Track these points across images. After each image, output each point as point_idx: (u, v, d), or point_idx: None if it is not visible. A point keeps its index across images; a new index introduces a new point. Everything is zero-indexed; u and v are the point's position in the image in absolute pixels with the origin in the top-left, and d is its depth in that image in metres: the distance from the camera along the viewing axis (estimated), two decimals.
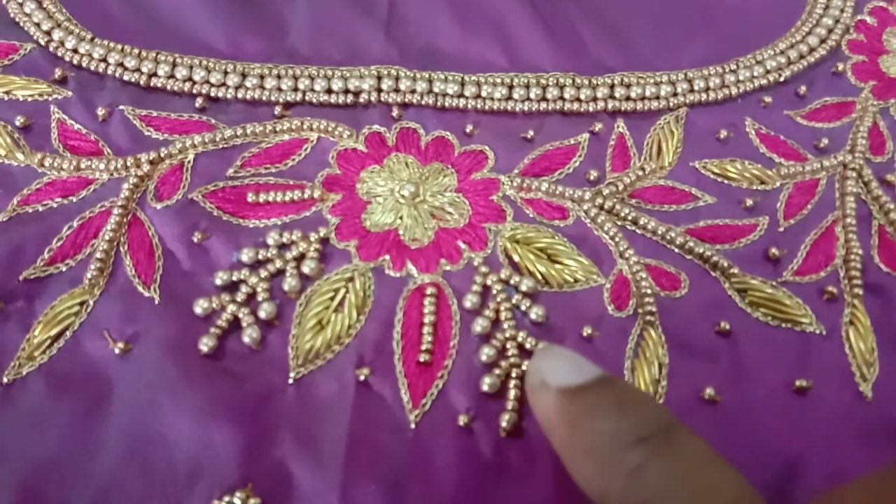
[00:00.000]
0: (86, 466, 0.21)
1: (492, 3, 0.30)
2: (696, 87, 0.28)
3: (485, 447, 0.22)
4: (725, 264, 0.25)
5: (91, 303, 0.23)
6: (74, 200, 0.24)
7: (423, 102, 0.27)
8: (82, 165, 0.25)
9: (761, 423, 0.23)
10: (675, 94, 0.28)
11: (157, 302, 0.23)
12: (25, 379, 0.22)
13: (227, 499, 0.20)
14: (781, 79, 0.29)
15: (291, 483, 0.21)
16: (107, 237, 0.24)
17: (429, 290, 0.24)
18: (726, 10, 0.32)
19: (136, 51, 0.27)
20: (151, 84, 0.27)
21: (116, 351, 0.22)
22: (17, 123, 0.26)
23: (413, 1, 0.30)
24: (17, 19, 0.28)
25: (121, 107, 0.26)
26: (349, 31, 0.29)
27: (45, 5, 0.28)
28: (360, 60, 0.28)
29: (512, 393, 0.22)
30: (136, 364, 0.22)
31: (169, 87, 0.27)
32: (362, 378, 0.22)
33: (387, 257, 0.24)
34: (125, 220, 0.24)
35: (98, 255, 0.23)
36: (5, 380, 0.22)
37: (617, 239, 0.25)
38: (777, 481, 0.22)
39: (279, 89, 0.27)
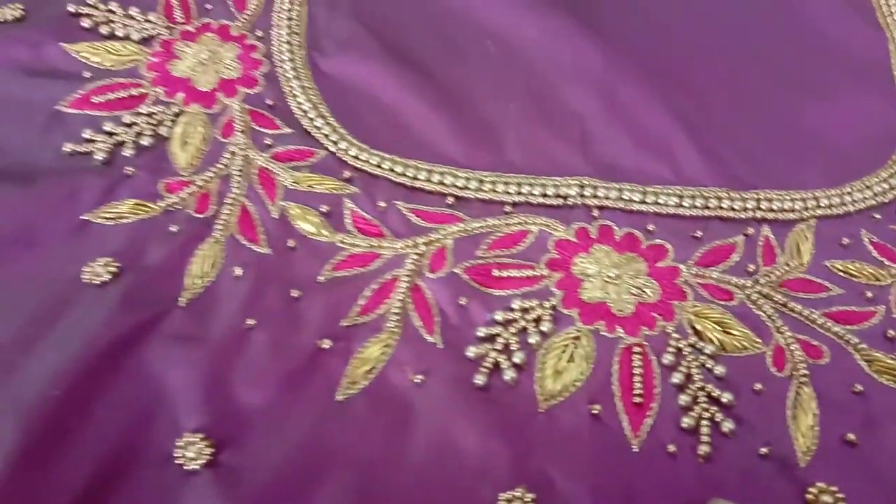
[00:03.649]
0: (399, 465, 0.29)
1: (660, 131, 0.39)
2: (821, 204, 0.37)
3: (687, 469, 0.29)
4: (855, 340, 0.33)
5: (392, 345, 0.31)
6: (369, 269, 0.33)
7: (614, 206, 0.36)
8: (372, 244, 0.34)
9: (890, 463, 0.30)
10: (806, 209, 0.37)
11: (439, 346, 0.31)
12: (352, 399, 0.30)
13: (510, 493, 0.28)
14: (886, 200, 0.38)
15: (553, 486, 0.28)
16: (399, 298, 0.32)
17: (636, 349, 0.32)
18: (833, 141, 0.41)
19: (401, 160, 0.37)
20: (414, 185, 0.36)
21: (415, 382, 0.30)
22: (323, 210, 0.35)
23: (600, 128, 0.39)
24: (310, 131, 0.38)
25: (395, 201, 0.36)
26: (551, 149, 0.39)
27: (329, 121, 0.38)
28: (562, 171, 0.38)
29: (705, 430, 0.30)
30: (429, 392, 0.30)
31: (427, 188, 0.36)
32: (594, 412, 0.30)
33: (602, 323, 0.32)
34: (410, 286, 0.33)
35: (394, 310, 0.32)
36: (340, 398, 0.30)
37: (773, 317, 0.33)
38: None
39: (507, 192, 0.36)
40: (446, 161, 0.38)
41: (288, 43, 0.41)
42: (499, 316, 0.32)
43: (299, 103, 0.39)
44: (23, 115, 0.37)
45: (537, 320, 0.32)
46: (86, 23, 0.40)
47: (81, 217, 0.33)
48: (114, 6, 0.41)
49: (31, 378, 0.28)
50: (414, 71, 0.41)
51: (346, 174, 0.37)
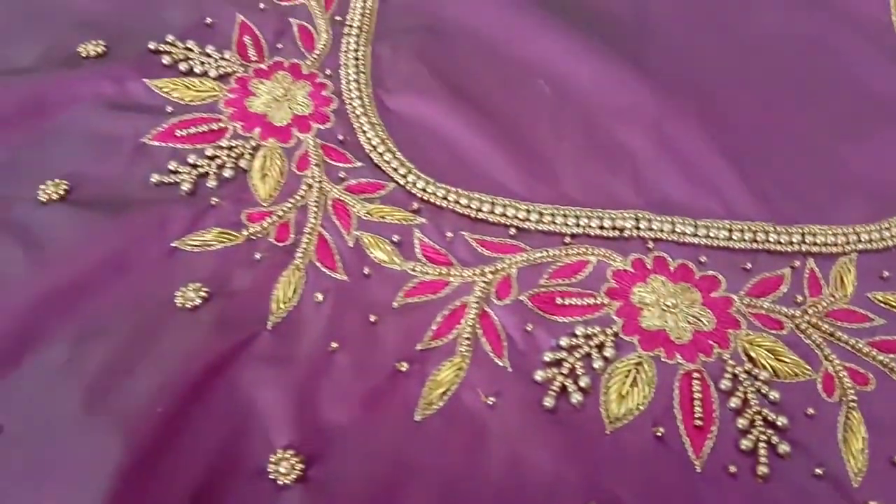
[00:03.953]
0: (476, 483, 0.30)
1: (709, 168, 0.41)
2: (862, 239, 0.39)
3: (747, 489, 0.31)
4: None
5: (465, 369, 0.33)
6: (439, 296, 0.35)
7: (668, 238, 0.38)
8: (441, 272, 0.36)
9: None
10: (848, 243, 0.39)
11: (509, 370, 0.33)
12: (429, 419, 0.32)
13: None
14: None
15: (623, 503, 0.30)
16: (469, 323, 0.34)
17: (695, 375, 0.34)
18: (872, 179, 0.43)
19: (465, 192, 0.39)
20: (478, 216, 0.39)
21: (488, 403, 0.32)
22: (394, 240, 0.37)
23: (651, 164, 0.41)
24: (380, 165, 0.40)
25: (461, 231, 0.38)
26: (606, 184, 0.41)
27: (397, 156, 0.40)
28: (617, 205, 0.40)
29: (762, 452, 0.32)
30: (501, 413, 0.32)
31: (490, 220, 0.38)
32: (658, 434, 0.32)
33: (661, 350, 0.34)
34: (478, 312, 0.35)
35: (465, 335, 0.34)
36: (418, 418, 0.32)
37: (821, 346, 0.35)
38: None
39: (566, 224, 0.39)
40: (507, 194, 0.40)
41: (356, 81, 0.43)
42: (564, 341, 0.34)
43: (368, 139, 0.41)
44: (110, 147, 0.39)
45: (600, 346, 0.34)
46: (165, 59, 0.42)
47: (171, 245, 0.36)
48: (191, 44, 0.43)
49: (135, 397, 0.30)
50: (474, 109, 0.43)
51: (415, 206, 0.39)
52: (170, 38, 0.43)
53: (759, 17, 0.50)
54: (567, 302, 0.36)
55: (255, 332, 0.33)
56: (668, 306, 0.36)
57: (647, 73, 0.45)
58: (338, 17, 0.47)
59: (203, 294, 0.34)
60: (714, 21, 0.50)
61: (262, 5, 0.46)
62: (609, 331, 0.35)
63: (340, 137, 0.41)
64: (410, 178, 0.40)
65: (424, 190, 0.39)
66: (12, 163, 0.38)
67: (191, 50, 0.43)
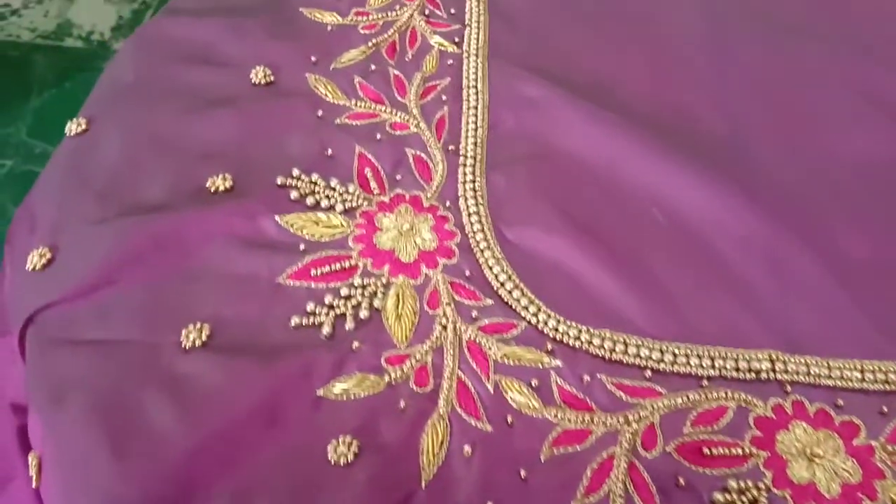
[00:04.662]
0: None
1: (829, 301, 0.42)
2: None
3: None
4: None
5: None
6: (585, 447, 0.35)
7: (805, 381, 0.38)
8: (584, 419, 0.36)
9: None
10: None
11: None
12: None
13: None
14: None
15: None
16: (619, 478, 0.34)
17: None
18: None
19: (597, 331, 0.39)
20: (612, 357, 0.39)
21: None
22: (533, 384, 0.37)
23: (772, 297, 0.42)
24: (509, 303, 0.40)
25: (597, 373, 0.38)
26: (730, 317, 0.41)
27: (525, 292, 0.41)
28: (743, 340, 0.40)
29: None
30: None
31: (625, 361, 0.39)
32: None
33: (812, 502, 0.34)
34: (627, 465, 0.35)
35: (618, 492, 0.34)
36: None
37: None
38: None
39: (701, 366, 0.39)
40: (634, 330, 0.40)
41: (476, 214, 0.44)
42: (719, 497, 0.34)
43: (495, 275, 0.41)
44: (248, 287, 0.40)
45: (754, 502, 0.34)
46: (293, 194, 0.44)
47: (317, 394, 0.36)
48: (316, 177, 0.44)
49: None
50: (592, 240, 0.44)
51: (549, 346, 0.39)
52: (296, 171, 0.45)
53: (853, 136, 0.52)
54: (714, 452, 0.36)
55: (411, 490, 0.33)
56: (814, 456, 0.36)
57: (754, 197, 0.46)
58: (451, 147, 0.48)
59: (355, 449, 0.34)
60: (810, 139, 0.51)
61: (378, 136, 0.48)
62: (761, 484, 0.35)
63: (467, 273, 0.42)
64: (541, 316, 0.40)
65: (556, 329, 0.40)
66: (155, 305, 0.39)
67: (316, 184, 0.44)
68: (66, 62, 1.13)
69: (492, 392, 0.37)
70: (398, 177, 0.46)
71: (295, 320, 0.39)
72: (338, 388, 0.36)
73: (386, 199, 0.45)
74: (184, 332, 0.37)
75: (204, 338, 0.37)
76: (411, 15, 0.56)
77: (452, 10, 0.57)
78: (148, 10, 1.21)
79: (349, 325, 0.39)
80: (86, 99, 0.51)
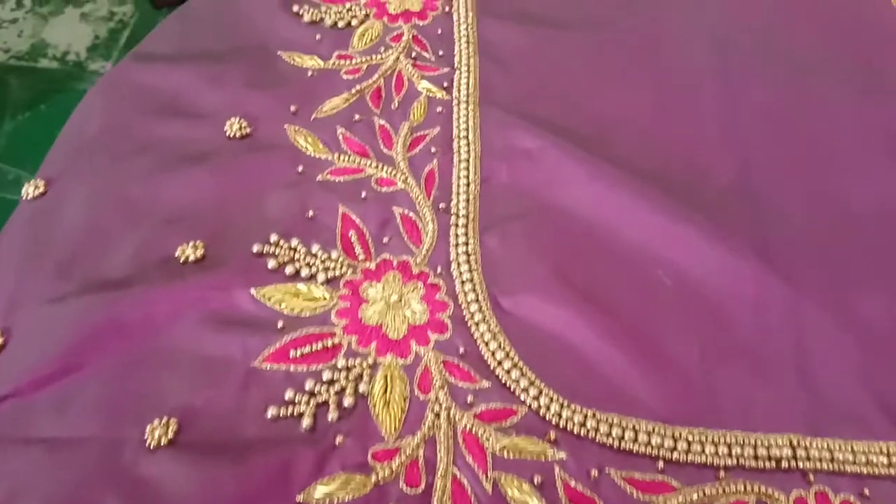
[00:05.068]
0: None
1: (852, 377, 0.39)
2: None
3: None
4: None
5: None
6: None
7: (827, 469, 0.35)
8: None
9: None
10: None
11: None
12: None
13: None
14: None
15: None
16: None
17: None
18: None
19: (604, 416, 0.36)
20: (622, 447, 0.35)
21: None
22: (535, 482, 0.34)
23: (789, 368, 0.39)
24: (508, 384, 0.37)
25: (606, 467, 0.35)
26: (745, 393, 0.38)
27: (525, 372, 0.37)
28: (762, 418, 0.37)
29: None
30: None
31: (635, 450, 0.35)
32: None
33: None
34: None
35: None
36: None
37: None
38: None
39: (716, 455, 0.35)
40: (646, 412, 0.37)
41: (470, 281, 0.41)
42: None
43: (492, 352, 0.38)
44: (220, 372, 0.36)
45: None
46: (271, 263, 0.40)
47: (297, 500, 0.32)
48: (295, 243, 0.41)
49: None
50: (595, 309, 0.40)
51: (552, 435, 0.36)
52: (274, 237, 0.41)
53: (874, 181, 0.48)
54: None
55: None
56: None
57: (767, 254, 0.43)
58: (441, 205, 0.44)
59: None
60: (827, 185, 0.48)
61: (363, 193, 0.44)
62: None
63: (461, 350, 0.38)
64: (543, 399, 0.37)
65: (559, 415, 0.36)
66: (117, 396, 0.35)
67: (296, 251, 0.41)
68: (41, 83, 1.08)
69: (490, 493, 0.34)
70: (385, 239, 0.42)
71: (272, 411, 0.35)
72: (320, 491, 0.33)
73: (372, 265, 0.41)
74: (149, 427, 0.34)
75: (171, 434, 0.34)
76: (397, 58, 0.53)
77: (441, 52, 0.54)
78: (125, 30, 1.17)
79: (332, 415, 0.35)
80: (61, 122, 0.48)
